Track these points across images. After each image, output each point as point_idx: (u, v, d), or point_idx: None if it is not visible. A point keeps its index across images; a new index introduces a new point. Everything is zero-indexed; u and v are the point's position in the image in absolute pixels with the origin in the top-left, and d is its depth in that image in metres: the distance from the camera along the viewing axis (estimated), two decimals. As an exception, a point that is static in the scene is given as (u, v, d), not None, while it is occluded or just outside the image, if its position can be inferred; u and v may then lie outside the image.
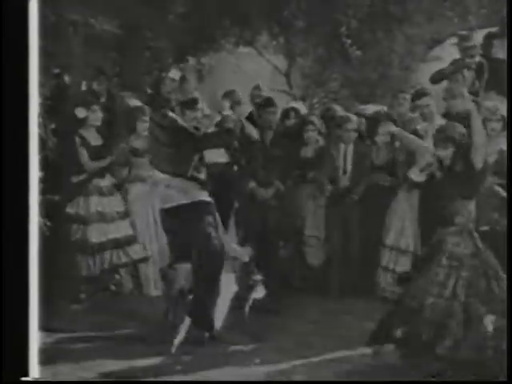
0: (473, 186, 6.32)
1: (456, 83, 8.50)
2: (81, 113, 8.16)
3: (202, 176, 6.76)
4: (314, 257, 8.34)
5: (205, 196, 6.74)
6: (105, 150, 8.27)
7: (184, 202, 6.67)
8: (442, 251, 6.20)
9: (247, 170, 8.25)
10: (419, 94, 8.23)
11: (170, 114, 6.68)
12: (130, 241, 8.15)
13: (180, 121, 6.62)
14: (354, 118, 8.34)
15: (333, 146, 8.33)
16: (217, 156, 7.83)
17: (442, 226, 6.31)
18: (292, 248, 8.38)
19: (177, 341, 6.54)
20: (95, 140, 8.25)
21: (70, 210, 8.10)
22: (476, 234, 6.26)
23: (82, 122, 8.19)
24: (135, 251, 8.16)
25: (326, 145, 8.38)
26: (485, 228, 7.22)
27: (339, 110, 8.65)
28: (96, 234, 8.09)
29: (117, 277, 8.22)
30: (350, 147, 8.31)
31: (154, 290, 8.12)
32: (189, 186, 6.68)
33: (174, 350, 6.50)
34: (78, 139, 8.17)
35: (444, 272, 6.14)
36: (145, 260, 8.19)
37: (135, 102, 8.57)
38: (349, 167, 8.29)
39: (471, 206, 6.29)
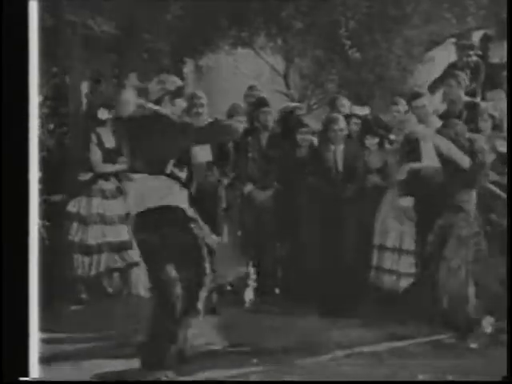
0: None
1: (452, 87, 8.48)
2: (103, 114, 8.16)
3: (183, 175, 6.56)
4: (309, 257, 8.33)
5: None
6: (116, 153, 8.26)
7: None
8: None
9: (245, 172, 8.27)
10: (414, 95, 8.20)
11: (150, 104, 6.52)
12: (125, 246, 8.14)
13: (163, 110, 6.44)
14: (340, 118, 8.33)
15: (324, 146, 8.33)
16: (202, 155, 7.84)
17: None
18: (288, 249, 8.37)
19: None
20: (109, 142, 8.25)
21: (71, 208, 8.11)
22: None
23: (102, 124, 8.19)
24: (130, 256, 8.14)
25: (319, 145, 8.37)
26: (486, 228, 7.30)
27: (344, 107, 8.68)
28: (94, 236, 8.09)
29: (113, 279, 8.23)
30: (340, 147, 8.29)
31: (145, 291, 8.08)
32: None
33: None
34: (94, 138, 8.17)
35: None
36: (136, 264, 8.17)
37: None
38: (340, 167, 8.28)
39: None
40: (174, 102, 6.44)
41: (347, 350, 6.73)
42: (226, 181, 8.24)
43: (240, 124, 6.75)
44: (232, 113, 8.37)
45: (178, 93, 6.46)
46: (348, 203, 8.16)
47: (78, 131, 8.32)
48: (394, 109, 8.43)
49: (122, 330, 7.00)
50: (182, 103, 6.50)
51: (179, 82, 6.55)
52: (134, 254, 8.10)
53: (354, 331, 7.11)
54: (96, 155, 8.18)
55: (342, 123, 8.23)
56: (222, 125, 6.42)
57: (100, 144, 8.19)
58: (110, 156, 8.22)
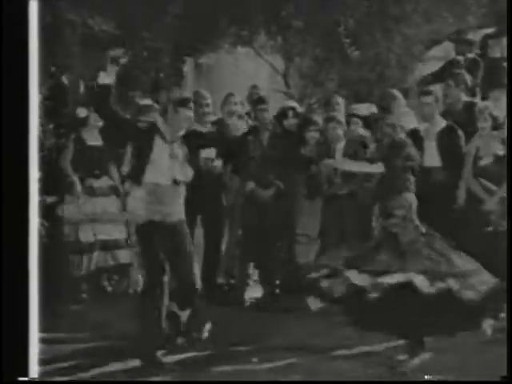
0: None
1: (451, 87, 8.47)
2: (82, 112, 8.17)
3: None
4: (305, 256, 8.33)
5: None
6: (103, 151, 8.26)
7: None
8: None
9: (245, 171, 8.26)
10: (424, 92, 8.17)
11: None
12: (119, 245, 8.13)
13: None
14: (338, 116, 8.32)
15: (324, 144, 8.33)
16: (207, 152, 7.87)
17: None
18: (288, 247, 8.37)
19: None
20: (94, 140, 8.23)
21: (60, 212, 8.10)
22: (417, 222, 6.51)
23: (83, 122, 8.19)
24: (123, 256, 8.14)
25: (318, 143, 8.37)
26: (489, 229, 7.31)
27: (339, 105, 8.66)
28: (85, 235, 8.08)
29: (114, 277, 8.24)
30: (340, 146, 8.28)
31: None
32: None
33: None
34: (72, 138, 8.17)
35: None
36: (131, 265, 8.17)
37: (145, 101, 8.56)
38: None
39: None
40: (177, 110, 6.50)
41: (345, 350, 6.74)
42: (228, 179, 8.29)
43: None
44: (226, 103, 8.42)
45: (183, 103, 6.53)
46: (347, 201, 8.17)
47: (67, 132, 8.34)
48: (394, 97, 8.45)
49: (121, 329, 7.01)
50: (185, 112, 6.53)
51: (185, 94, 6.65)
52: (127, 255, 8.12)
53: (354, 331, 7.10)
54: (66, 157, 8.18)
55: (339, 122, 8.22)
56: None
57: (79, 143, 8.18)
58: (93, 153, 8.21)
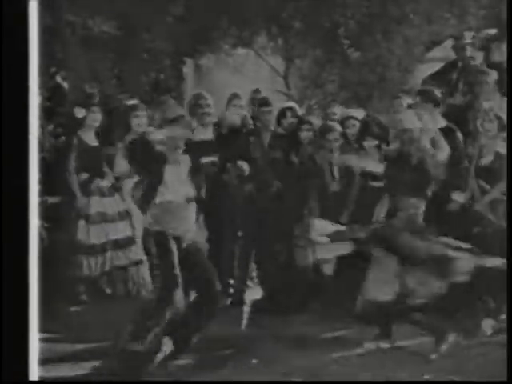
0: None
1: (450, 88, 8.50)
2: (79, 113, 8.17)
3: None
4: (304, 258, 8.32)
5: None
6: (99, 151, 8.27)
7: None
8: None
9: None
10: (419, 92, 8.19)
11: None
12: (128, 242, 8.15)
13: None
14: (336, 126, 8.30)
15: (317, 152, 8.32)
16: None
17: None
18: (287, 250, 8.36)
19: None
20: (92, 141, 8.24)
21: (73, 210, 8.10)
22: None
23: (81, 123, 8.19)
24: (134, 252, 8.14)
25: (312, 150, 8.36)
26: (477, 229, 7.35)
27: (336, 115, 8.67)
28: (97, 235, 8.09)
29: (114, 280, 8.24)
30: (336, 153, 8.28)
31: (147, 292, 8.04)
32: None
33: None
34: (75, 139, 8.18)
35: None
36: (141, 262, 8.16)
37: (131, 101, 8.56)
38: (336, 173, 8.28)
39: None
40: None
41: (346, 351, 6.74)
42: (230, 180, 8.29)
43: None
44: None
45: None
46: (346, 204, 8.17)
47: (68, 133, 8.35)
48: (396, 103, 8.46)
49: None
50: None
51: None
52: (137, 251, 8.11)
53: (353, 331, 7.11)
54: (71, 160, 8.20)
55: (337, 133, 8.21)
56: None
57: (82, 144, 8.19)
58: (94, 154, 8.23)
